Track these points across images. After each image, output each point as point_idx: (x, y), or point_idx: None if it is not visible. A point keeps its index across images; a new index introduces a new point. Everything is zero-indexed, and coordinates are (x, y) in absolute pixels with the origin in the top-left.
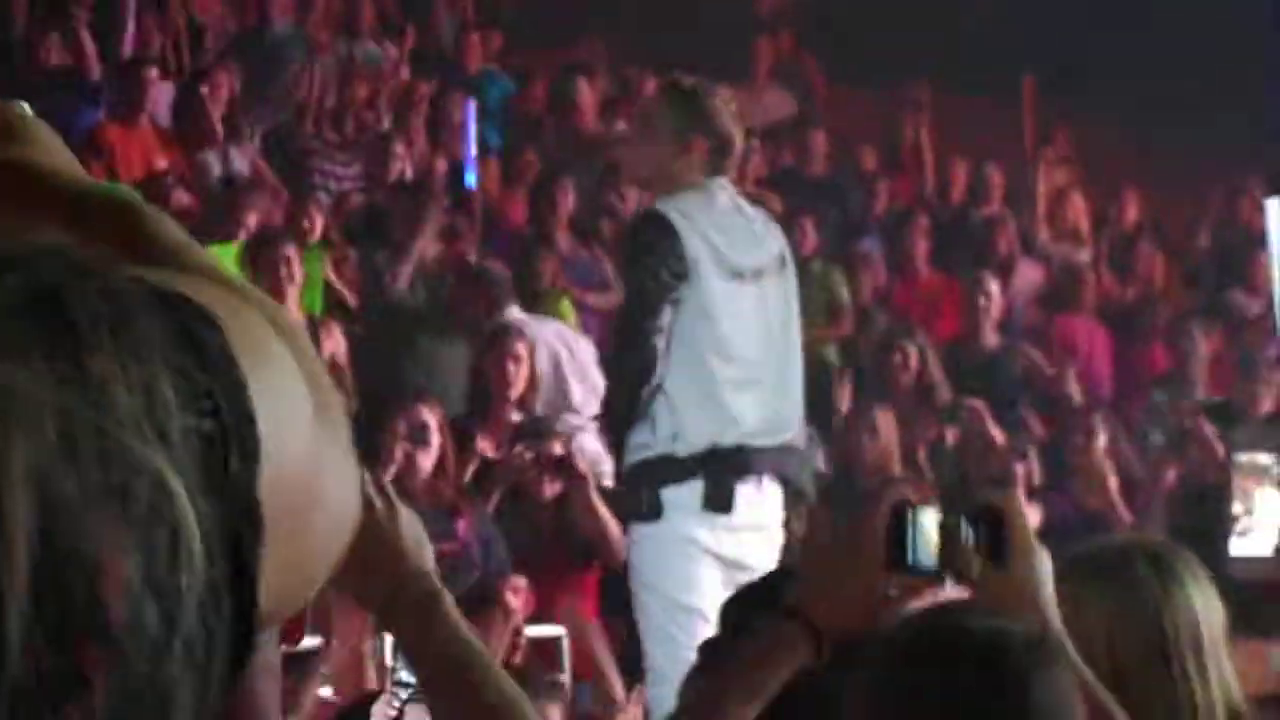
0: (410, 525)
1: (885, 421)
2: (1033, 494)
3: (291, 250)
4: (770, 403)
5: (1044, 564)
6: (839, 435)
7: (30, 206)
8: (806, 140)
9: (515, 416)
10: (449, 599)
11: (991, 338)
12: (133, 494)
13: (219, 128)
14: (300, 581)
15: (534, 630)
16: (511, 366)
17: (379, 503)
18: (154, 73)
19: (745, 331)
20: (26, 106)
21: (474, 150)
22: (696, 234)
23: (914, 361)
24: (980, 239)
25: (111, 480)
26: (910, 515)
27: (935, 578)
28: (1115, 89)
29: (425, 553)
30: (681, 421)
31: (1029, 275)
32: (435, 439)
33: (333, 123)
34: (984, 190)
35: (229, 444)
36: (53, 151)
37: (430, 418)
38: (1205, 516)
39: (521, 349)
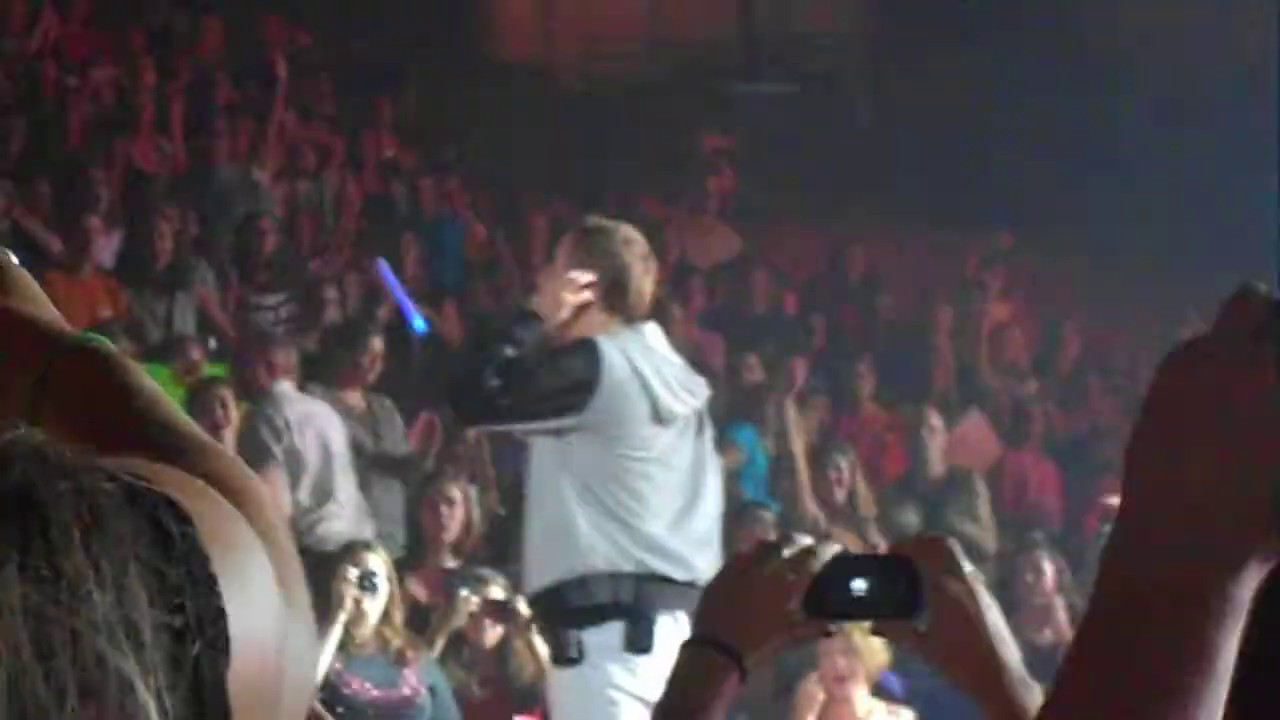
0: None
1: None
2: None
3: (228, 393)
4: (678, 540)
5: (987, 613)
6: None
7: (8, 354)
8: (748, 278)
9: (450, 563)
10: None
11: (938, 468)
12: (104, 698)
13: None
14: None
15: None
16: (445, 510)
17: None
18: (96, 221)
19: (661, 473)
20: (10, 254)
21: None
22: (633, 373)
23: (845, 477)
24: (922, 373)
25: (84, 683)
26: (844, 567)
27: (839, 627)
28: (1056, 223)
29: None
30: (591, 547)
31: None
32: (384, 586)
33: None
34: (930, 324)
35: (199, 640)
36: (31, 299)
37: (379, 565)
38: None
39: (455, 492)
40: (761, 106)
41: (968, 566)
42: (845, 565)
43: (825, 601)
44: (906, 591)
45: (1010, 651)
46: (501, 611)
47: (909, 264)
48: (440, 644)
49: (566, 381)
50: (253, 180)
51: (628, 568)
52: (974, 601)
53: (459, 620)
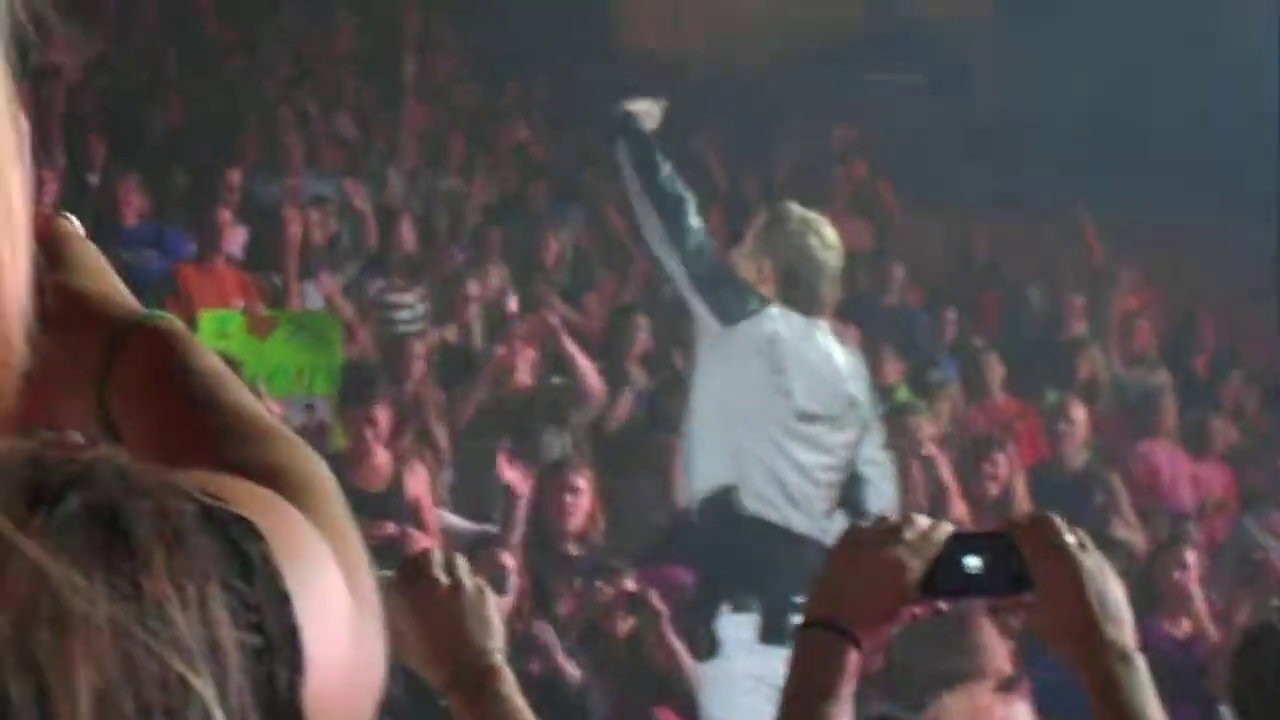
0: (475, 603)
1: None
2: None
3: (381, 412)
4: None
5: (1089, 585)
6: None
7: (73, 333)
8: (883, 269)
9: (573, 550)
10: (508, 677)
11: (1076, 460)
12: (185, 714)
13: (292, 267)
14: None
15: None
16: (569, 498)
17: (444, 580)
18: (227, 214)
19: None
20: (76, 220)
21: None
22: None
23: (1003, 471)
24: (1060, 363)
25: (168, 706)
26: (957, 546)
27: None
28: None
29: (490, 630)
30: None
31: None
32: (514, 581)
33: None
34: (1062, 314)
35: (276, 658)
36: (96, 273)
37: (509, 560)
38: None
39: (580, 481)
40: (890, 95)
41: (1071, 540)
42: (959, 544)
43: (940, 580)
44: (1017, 568)
45: (1113, 627)
46: (634, 603)
47: (1038, 252)
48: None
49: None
50: (385, 176)
51: (771, 515)
52: (1076, 575)
53: (593, 611)
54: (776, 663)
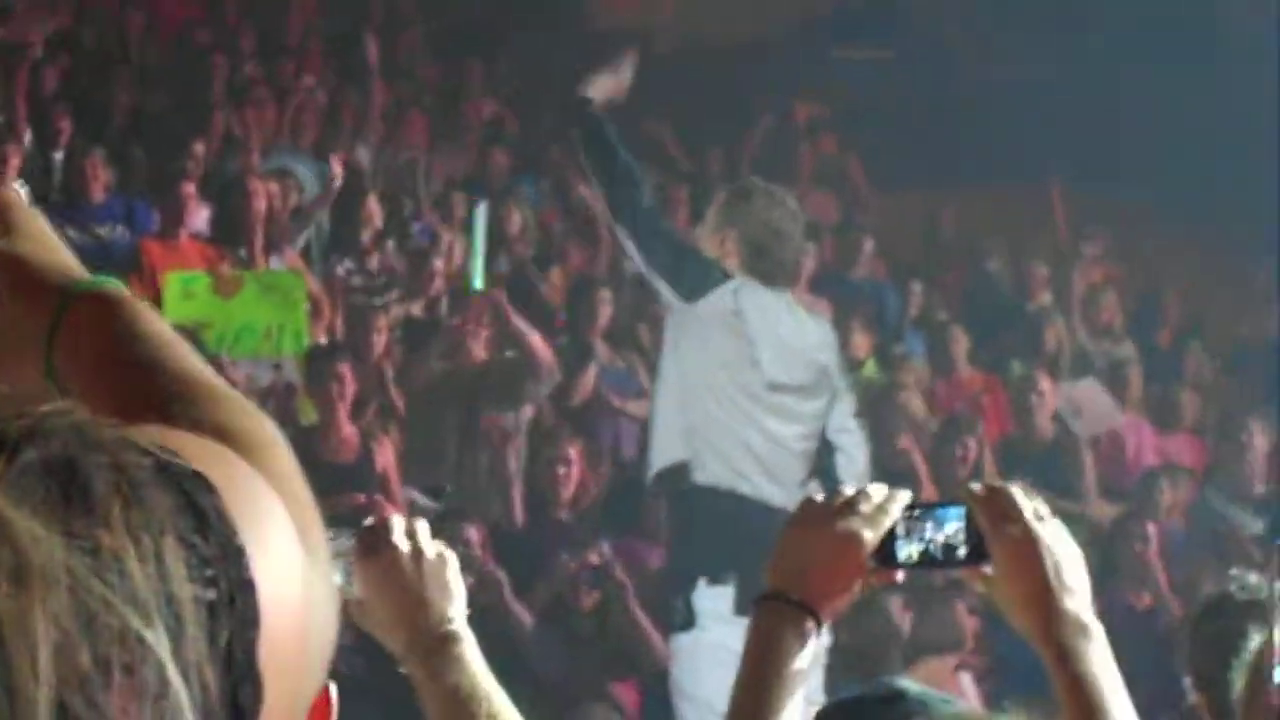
0: (436, 569)
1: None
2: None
3: (345, 368)
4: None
5: (1045, 556)
6: None
7: (20, 299)
8: (852, 243)
9: (564, 516)
10: (469, 642)
11: (1045, 432)
12: (142, 673)
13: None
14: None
15: None
16: (561, 470)
17: (405, 547)
18: (191, 188)
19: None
20: (22, 189)
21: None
22: (738, 316)
23: (972, 454)
24: (1026, 336)
25: (123, 658)
26: (913, 518)
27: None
28: (1146, 184)
29: (450, 595)
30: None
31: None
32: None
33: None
34: (1027, 287)
35: (230, 612)
36: (42, 240)
37: (474, 534)
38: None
39: (571, 453)
40: (857, 70)
41: (1028, 510)
42: (914, 515)
43: (896, 552)
44: (974, 539)
45: (1070, 598)
46: (600, 576)
47: (1005, 227)
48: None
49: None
50: (350, 151)
51: (744, 488)
52: (1033, 546)
53: (557, 584)
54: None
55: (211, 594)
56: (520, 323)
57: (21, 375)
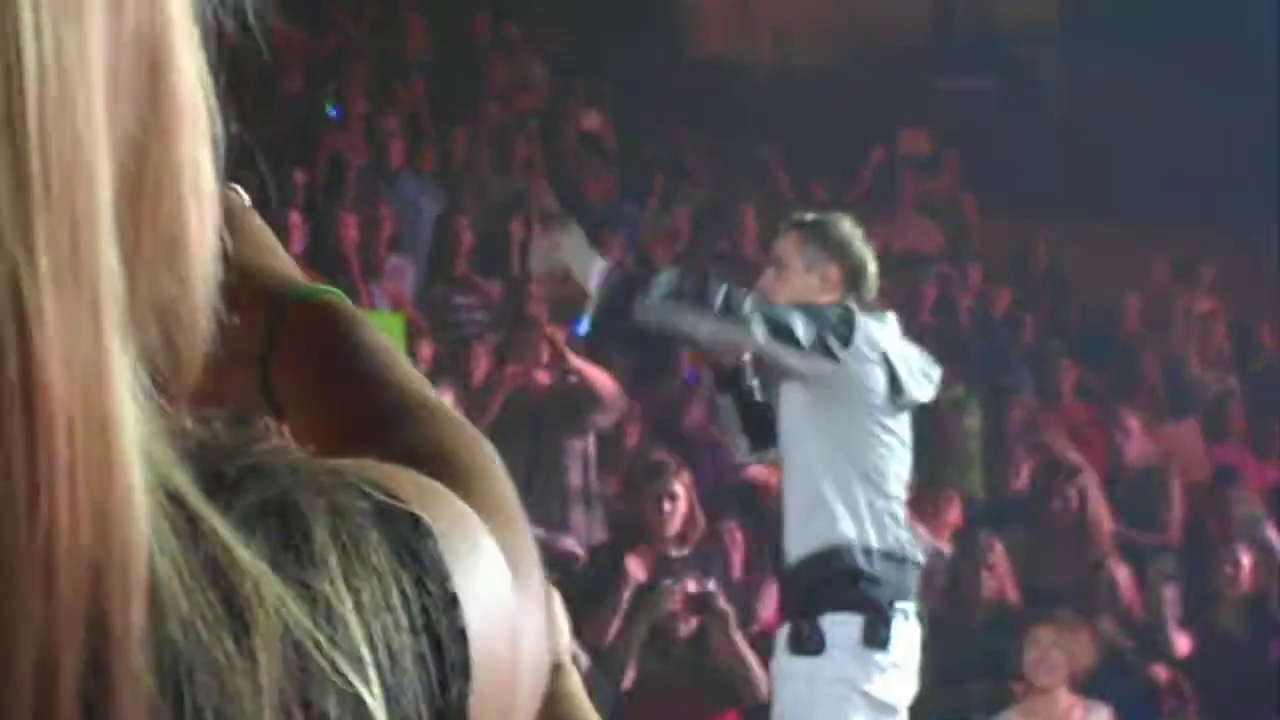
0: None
1: (1001, 557)
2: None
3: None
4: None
5: None
6: (955, 561)
7: (239, 306)
8: (961, 271)
9: (673, 551)
10: (574, 676)
11: (1137, 461)
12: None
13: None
14: None
15: None
16: (668, 505)
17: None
18: (295, 217)
19: (900, 450)
20: (243, 194)
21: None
22: (879, 352)
23: (1074, 504)
24: (1124, 367)
25: (338, 716)
26: None
27: None
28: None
29: (555, 629)
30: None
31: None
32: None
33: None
34: (1122, 319)
35: (444, 663)
36: (263, 246)
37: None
38: None
39: (678, 487)
40: (959, 100)
41: None
42: None
43: None
44: None
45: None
46: (699, 604)
47: (1104, 258)
48: (641, 635)
49: (825, 322)
50: (455, 177)
51: (875, 543)
52: None
53: (659, 612)
54: (871, 668)
55: (425, 645)
56: (574, 359)
57: (234, 387)
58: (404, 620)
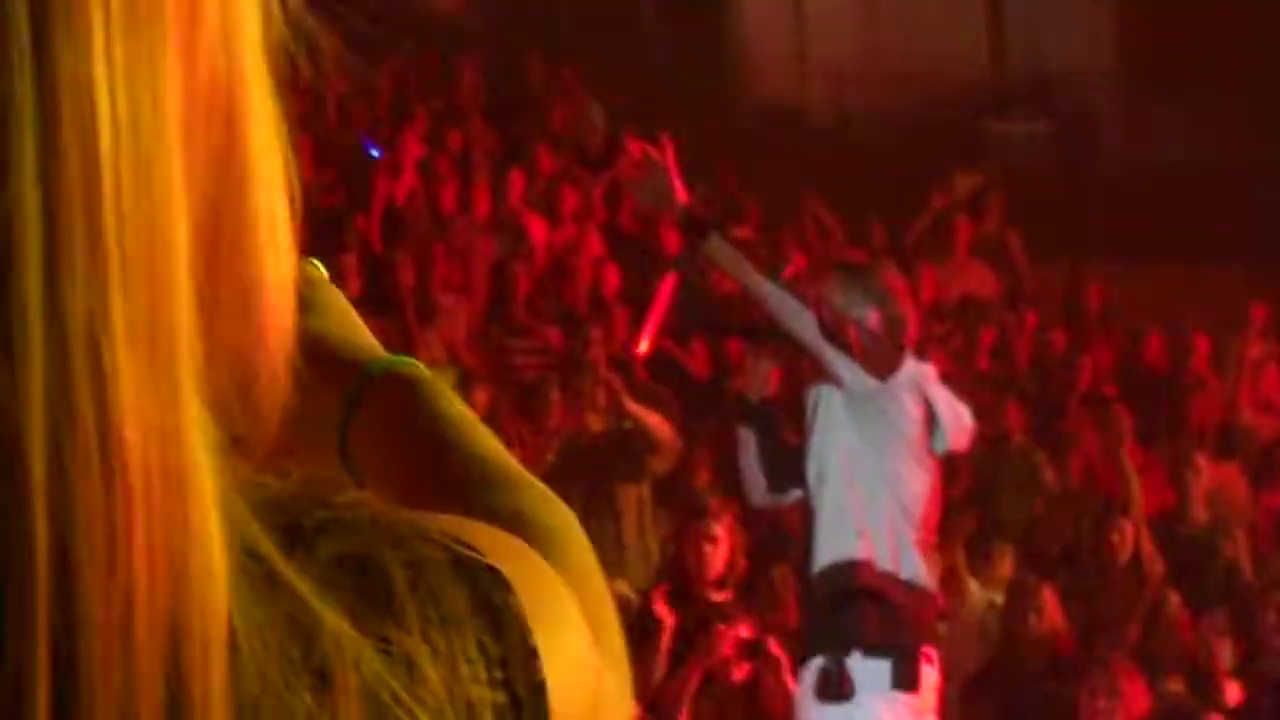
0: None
1: (1051, 600)
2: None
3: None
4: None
5: None
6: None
7: (318, 377)
8: (1014, 318)
9: (716, 596)
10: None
11: (1200, 513)
12: None
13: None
14: None
15: None
16: (708, 549)
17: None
18: (352, 260)
19: (929, 494)
20: (321, 268)
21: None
22: (920, 391)
23: (1129, 537)
24: (1183, 412)
25: None
26: None
27: None
28: None
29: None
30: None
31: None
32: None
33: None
34: (1185, 361)
35: (521, 717)
36: (341, 318)
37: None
38: None
39: (718, 530)
40: (1014, 144)
41: None
42: None
43: None
44: None
45: None
46: (751, 650)
47: (1159, 301)
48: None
49: (878, 341)
50: (509, 221)
51: (903, 573)
52: None
53: (712, 657)
54: (902, 711)
55: (503, 698)
56: (632, 404)
57: (314, 459)
58: (482, 673)
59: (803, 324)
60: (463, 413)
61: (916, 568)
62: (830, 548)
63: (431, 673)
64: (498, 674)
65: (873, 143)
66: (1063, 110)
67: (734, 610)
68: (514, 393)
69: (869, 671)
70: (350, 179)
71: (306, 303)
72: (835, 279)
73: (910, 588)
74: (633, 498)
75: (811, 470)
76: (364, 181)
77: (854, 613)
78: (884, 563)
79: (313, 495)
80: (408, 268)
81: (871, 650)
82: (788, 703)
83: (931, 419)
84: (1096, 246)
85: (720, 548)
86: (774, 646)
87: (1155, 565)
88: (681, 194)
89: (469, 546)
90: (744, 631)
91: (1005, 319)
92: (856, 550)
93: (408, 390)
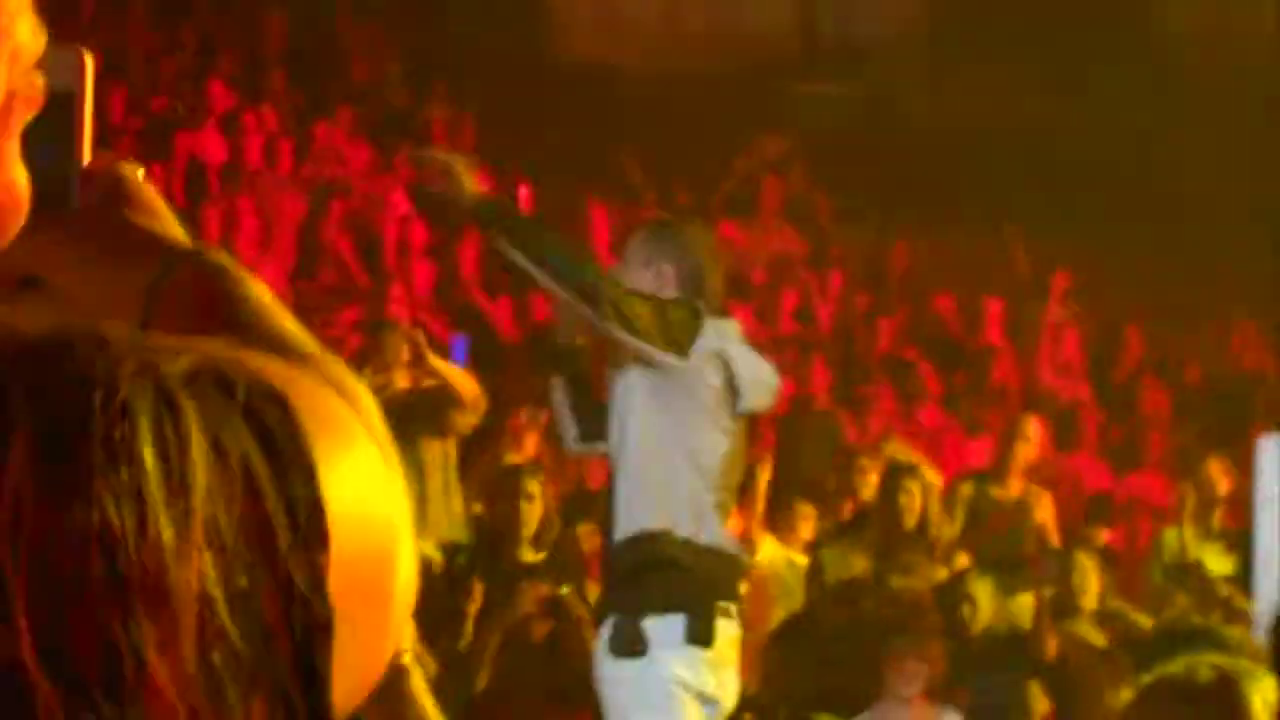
0: None
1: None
2: None
3: None
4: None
5: None
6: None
7: (125, 263)
8: (819, 279)
9: (530, 555)
10: (418, 676)
11: (1015, 483)
12: (176, 602)
13: None
14: (377, 657)
15: None
16: (525, 506)
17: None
18: None
19: (730, 458)
20: (139, 168)
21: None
22: (719, 356)
23: (918, 501)
24: (981, 375)
25: (157, 588)
26: None
27: None
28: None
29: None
30: (669, 499)
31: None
32: None
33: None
34: (980, 326)
35: (293, 531)
36: (154, 211)
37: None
38: None
39: (534, 488)
40: (820, 107)
41: None
42: None
43: None
44: None
45: None
46: (553, 606)
47: (962, 265)
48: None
49: (672, 316)
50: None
51: (703, 538)
52: None
53: (515, 615)
54: (698, 664)
55: (280, 515)
56: (434, 360)
57: None
58: (231, 487)
59: (597, 319)
60: (263, 294)
61: (716, 532)
62: (629, 517)
63: (182, 487)
64: (267, 488)
65: (680, 104)
66: (870, 75)
67: (542, 568)
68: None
69: (662, 628)
70: (153, 132)
71: (120, 196)
72: (638, 235)
73: (709, 551)
74: (438, 454)
75: (614, 435)
76: (167, 134)
77: (650, 580)
78: (683, 529)
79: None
80: (213, 223)
81: (665, 609)
82: (588, 660)
83: (733, 382)
84: (902, 210)
85: (535, 505)
86: (578, 606)
87: (943, 527)
88: (475, 185)
89: (240, 364)
90: (546, 589)
91: (810, 280)
92: (655, 520)
93: (210, 275)
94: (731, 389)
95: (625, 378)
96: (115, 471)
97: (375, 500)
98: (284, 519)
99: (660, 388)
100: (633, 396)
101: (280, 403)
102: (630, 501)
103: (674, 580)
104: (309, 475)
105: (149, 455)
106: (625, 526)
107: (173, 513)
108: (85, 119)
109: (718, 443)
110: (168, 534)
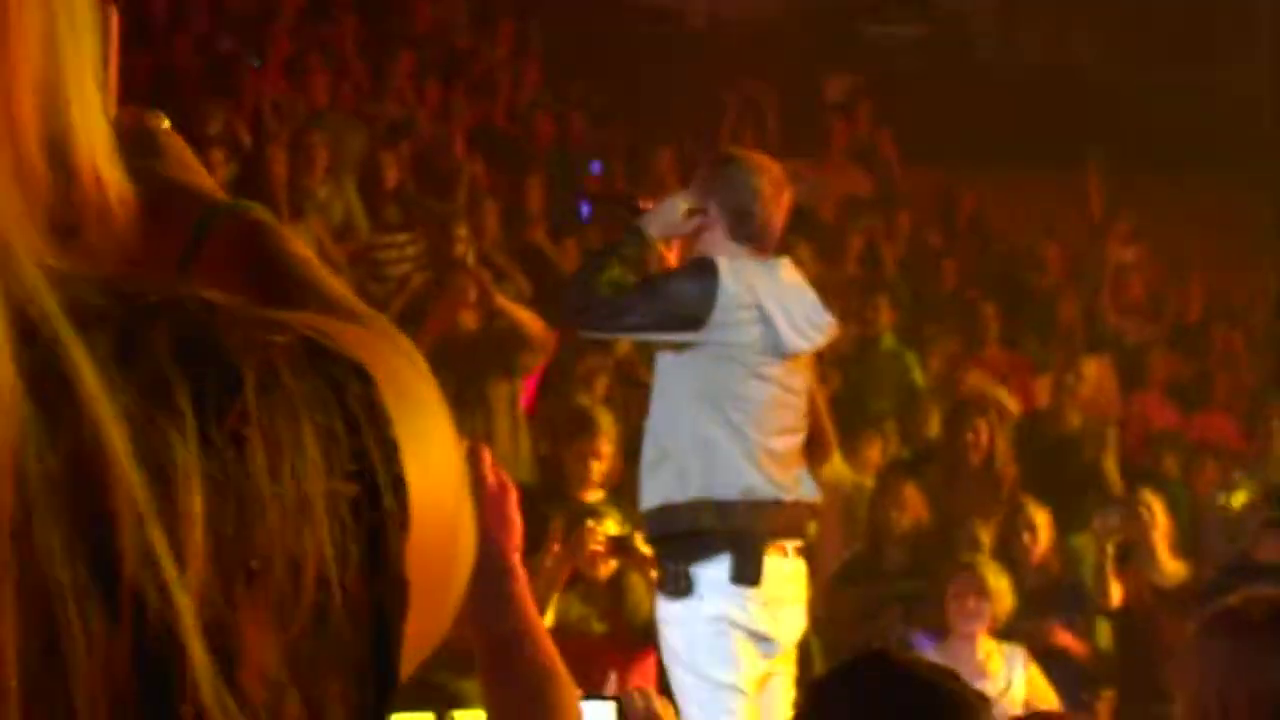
0: (497, 498)
1: (914, 497)
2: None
3: None
4: (783, 461)
5: None
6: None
7: (160, 218)
8: (887, 219)
9: (596, 495)
10: (521, 579)
11: (1074, 417)
12: (272, 573)
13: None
14: (436, 635)
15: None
16: (593, 464)
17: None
18: (220, 155)
19: (779, 394)
20: (164, 119)
21: None
22: (754, 304)
23: (984, 438)
24: (1048, 316)
25: (254, 558)
26: None
27: None
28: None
29: (510, 529)
30: (710, 472)
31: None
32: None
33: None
34: (1046, 266)
35: (378, 510)
36: (185, 164)
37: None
38: None
39: (605, 446)
40: (890, 47)
41: None
42: None
43: None
44: None
45: None
46: (618, 546)
47: (1031, 205)
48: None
49: (679, 301)
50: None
51: (733, 495)
52: None
53: (580, 553)
54: (746, 602)
55: (361, 492)
56: (503, 300)
57: None
58: (337, 466)
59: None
60: (305, 252)
61: (753, 482)
62: (650, 481)
63: (282, 465)
64: (352, 467)
65: (748, 46)
66: (939, 14)
67: (604, 508)
68: (385, 289)
69: (709, 570)
70: (220, 72)
71: (149, 149)
72: (696, 176)
73: (745, 505)
74: (506, 394)
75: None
76: (235, 75)
77: (698, 541)
78: (700, 494)
79: (137, 283)
80: (279, 160)
81: (706, 556)
82: (651, 598)
83: (772, 326)
84: (970, 150)
85: (603, 462)
86: (640, 543)
87: (1009, 467)
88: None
89: (324, 334)
90: (611, 528)
91: (875, 222)
92: (672, 488)
93: (250, 230)
94: (771, 338)
95: (664, 349)
96: (218, 455)
97: (448, 472)
98: (368, 497)
99: (687, 351)
100: (664, 363)
101: (365, 377)
102: (653, 468)
103: (710, 539)
104: (392, 452)
105: (255, 433)
106: (649, 496)
107: (275, 488)
108: (112, 74)
109: (756, 389)
110: (273, 512)
